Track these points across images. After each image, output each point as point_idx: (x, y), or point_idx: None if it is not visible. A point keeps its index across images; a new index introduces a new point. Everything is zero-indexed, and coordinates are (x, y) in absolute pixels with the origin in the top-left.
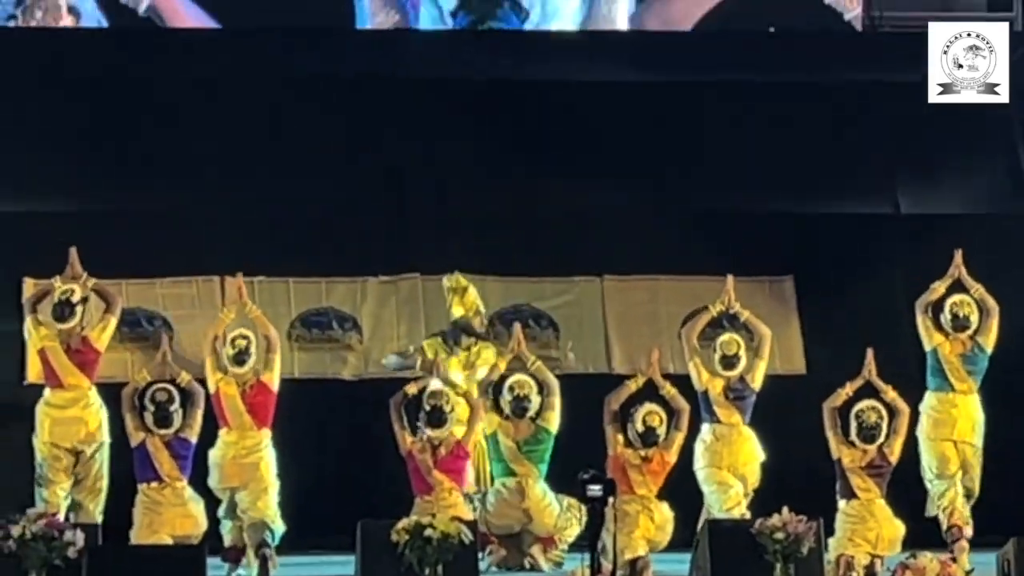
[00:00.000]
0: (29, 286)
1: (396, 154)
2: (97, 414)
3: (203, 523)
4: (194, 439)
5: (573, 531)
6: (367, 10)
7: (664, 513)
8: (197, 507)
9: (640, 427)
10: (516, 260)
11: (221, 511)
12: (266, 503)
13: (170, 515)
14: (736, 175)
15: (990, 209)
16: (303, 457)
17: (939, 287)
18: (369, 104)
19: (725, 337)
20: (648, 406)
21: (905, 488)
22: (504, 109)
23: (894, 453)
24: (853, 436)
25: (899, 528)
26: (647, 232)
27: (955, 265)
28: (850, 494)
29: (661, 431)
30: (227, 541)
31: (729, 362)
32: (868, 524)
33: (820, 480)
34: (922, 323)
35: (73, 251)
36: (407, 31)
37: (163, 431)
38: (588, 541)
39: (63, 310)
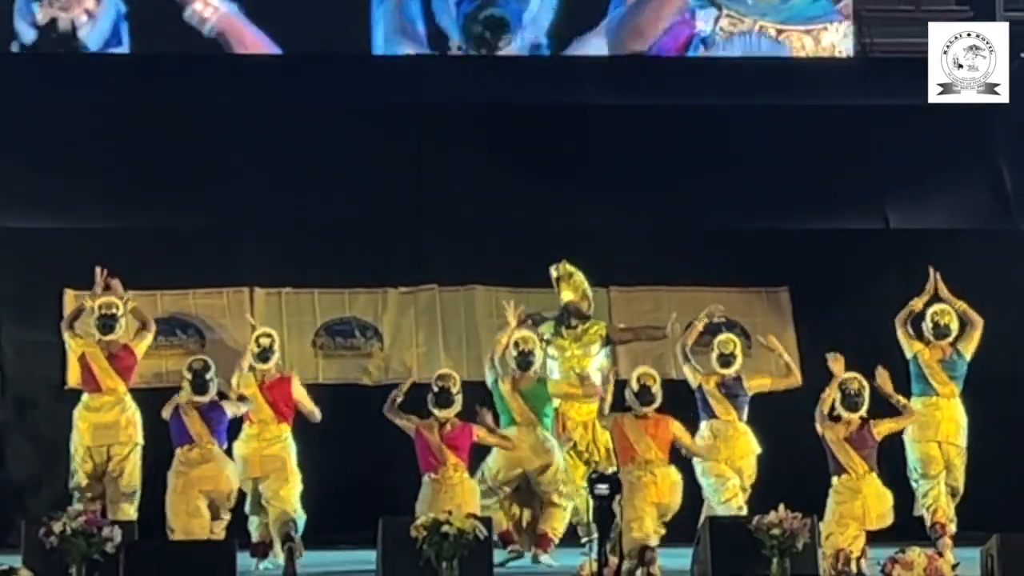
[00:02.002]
0: (70, 297)
1: (414, 174)
2: (132, 417)
3: (234, 481)
4: (228, 412)
5: (570, 489)
6: (383, 37)
7: (671, 476)
8: (228, 466)
9: (635, 386)
10: (528, 272)
11: (248, 507)
12: (288, 492)
13: (198, 473)
14: (733, 192)
15: (975, 224)
16: (328, 458)
17: (916, 303)
18: (388, 127)
19: (723, 337)
20: (643, 368)
21: (899, 490)
22: (515, 130)
23: (880, 432)
24: (838, 407)
25: (887, 500)
26: (651, 246)
27: (931, 282)
28: (840, 470)
29: (656, 390)
30: (255, 537)
31: (725, 360)
32: (856, 501)
33: (817, 482)
34: (902, 335)
35: (98, 270)
36: (422, 57)
37: (197, 398)
38: (597, 536)
39: (107, 323)
